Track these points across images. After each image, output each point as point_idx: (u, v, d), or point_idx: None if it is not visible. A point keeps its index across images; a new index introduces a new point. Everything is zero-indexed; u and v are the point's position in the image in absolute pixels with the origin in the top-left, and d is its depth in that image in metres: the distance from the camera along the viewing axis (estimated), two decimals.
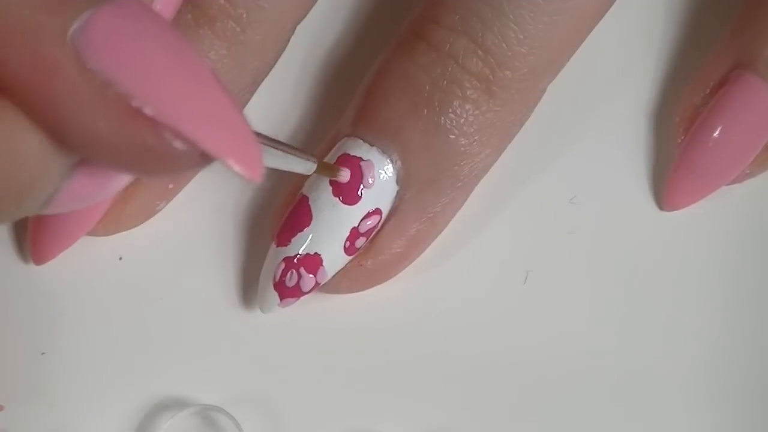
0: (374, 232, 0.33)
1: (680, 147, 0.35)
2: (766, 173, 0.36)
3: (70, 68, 0.21)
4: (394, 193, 0.33)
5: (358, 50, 0.36)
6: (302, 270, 0.33)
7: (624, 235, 0.36)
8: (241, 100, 0.33)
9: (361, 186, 0.33)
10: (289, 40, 0.33)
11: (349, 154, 0.33)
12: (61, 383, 0.34)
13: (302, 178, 0.34)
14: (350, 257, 0.33)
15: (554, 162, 0.36)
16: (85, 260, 0.34)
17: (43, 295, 0.34)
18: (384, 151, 0.33)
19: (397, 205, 0.33)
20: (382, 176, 0.33)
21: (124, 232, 0.35)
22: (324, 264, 0.33)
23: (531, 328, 0.35)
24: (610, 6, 0.33)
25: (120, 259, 0.35)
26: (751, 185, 0.36)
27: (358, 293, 0.35)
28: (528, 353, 0.35)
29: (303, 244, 0.33)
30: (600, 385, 0.35)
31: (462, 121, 0.32)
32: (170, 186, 0.34)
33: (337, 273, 0.34)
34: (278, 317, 0.34)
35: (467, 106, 0.32)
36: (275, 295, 0.33)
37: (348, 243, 0.33)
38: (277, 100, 0.35)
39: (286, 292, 0.33)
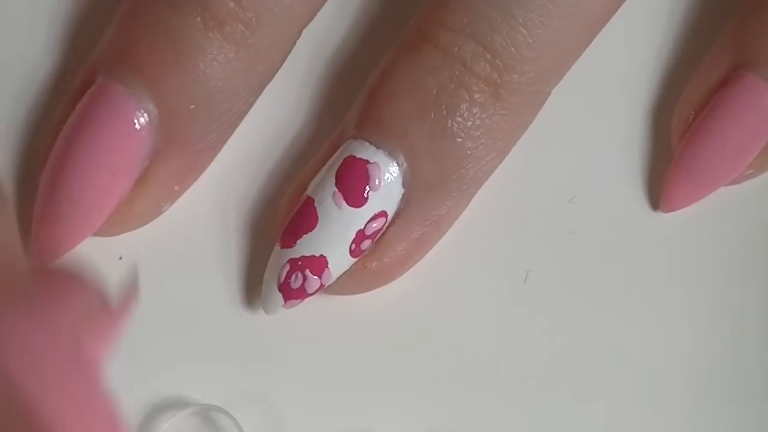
0: (379, 235, 0.33)
1: (679, 147, 0.35)
2: (765, 174, 0.36)
3: None
4: (400, 196, 0.33)
5: (361, 50, 0.36)
6: (307, 272, 0.33)
7: (624, 235, 0.36)
8: (247, 103, 0.33)
9: (368, 188, 0.33)
10: (295, 44, 0.33)
11: (355, 157, 0.33)
12: None
13: (305, 177, 0.34)
14: (355, 259, 0.33)
15: (554, 162, 0.36)
16: (85, 260, 0.34)
17: None
18: (390, 154, 0.33)
19: (403, 208, 0.33)
20: (388, 179, 0.33)
21: None
22: (329, 266, 0.33)
23: (531, 328, 0.35)
24: (617, 10, 0.33)
25: (120, 258, 0.35)
26: (750, 186, 0.36)
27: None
28: (528, 353, 0.35)
29: (309, 246, 0.33)
30: (600, 385, 0.35)
31: (469, 124, 0.32)
32: (176, 188, 0.34)
33: (341, 275, 0.34)
34: (277, 317, 0.34)
35: (475, 110, 0.32)
36: (279, 297, 0.33)
37: (354, 245, 0.33)
38: (281, 101, 0.35)
39: (291, 293, 0.33)
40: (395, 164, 0.33)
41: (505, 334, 0.35)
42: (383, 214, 0.33)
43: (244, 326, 0.35)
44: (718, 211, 0.36)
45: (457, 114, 0.32)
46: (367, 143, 0.33)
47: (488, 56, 0.32)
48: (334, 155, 0.33)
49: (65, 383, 0.22)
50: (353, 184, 0.33)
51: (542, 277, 0.36)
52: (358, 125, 0.33)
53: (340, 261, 0.33)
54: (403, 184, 0.33)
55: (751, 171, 0.36)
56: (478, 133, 0.33)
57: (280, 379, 0.35)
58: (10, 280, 0.23)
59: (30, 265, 0.26)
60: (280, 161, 0.35)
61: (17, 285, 0.23)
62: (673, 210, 0.36)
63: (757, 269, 0.36)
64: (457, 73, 0.32)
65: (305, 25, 0.33)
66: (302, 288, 0.33)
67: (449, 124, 0.32)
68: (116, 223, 0.33)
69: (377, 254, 0.34)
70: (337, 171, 0.33)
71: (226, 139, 0.34)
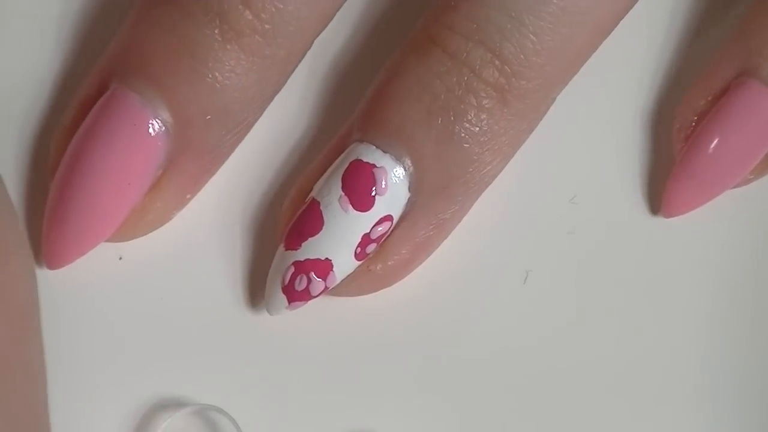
0: (384, 238, 0.33)
1: (680, 153, 0.35)
2: (766, 177, 0.36)
3: None
4: (406, 200, 0.33)
5: (365, 52, 0.35)
6: (312, 274, 0.33)
7: (624, 236, 0.36)
8: (261, 112, 0.33)
9: (375, 192, 0.32)
10: (306, 53, 0.33)
11: (362, 160, 0.33)
12: (59, 382, 0.33)
13: (308, 179, 0.34)
14: (360, 262, 0.33)
15: (554, 162, 0.36)
16: (85, 260, 0.34)
17: (42, 295, 0.33)
18: (397, 158, 0.33)
19: (408, 211, 0.33)
20: (395, 183, 0.33)
21: None
22: (334, 269, 0.33)
23: (531, 328, 0.36)
24: (624, 17, 0.33)
25: (120, 259, 0.34)
26: (750, 186, 0.36)
27: None
28: (528, 353, 0.36)
29: (314, 250, 0.33)
30: (600, 385, 0.36)
31: (476, 130, 0.32)
32: (188, 196, 0.34)
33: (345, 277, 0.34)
34: (276, 317, 0.34)
35: (482, 116, 0.32)
36: (283, 299, 0.33)
37: (359, 249, 0.33)
38: (285, 103, 0.35)
39: (295, 295, 0.33)
40: (402, 168, 0.33)
41: (505, 334, 0.35)
42: (389, 218, 0.33)
43: (245, 326, 0.35)
44: (718, 211, 0.36)
45: (465, 120, 0.32)
46: (374, 147, 0.33)
47: (497, 63, 0.32)
48: (340, 158, 0.33)
49: None
50: (360, 188, 0.32)
51: (542, 277, 0.36)
52: (364, 128, 0.33)
53: (345, 264, 0.33)
54: (409, 189, 0.33)
55: (753, 176, 0.36)
56: (485, 139, 0.33)
57: (279, 379, 0.35)
58: None
59: None
60: (284, 162, 0.35)
61: None
62: (674, 215, 0.36)
63: (757, 269, 0.36)
64: (466, 78, 0.32)
65: (318, 35, 0.33)
66: (306, 290, 0.33)
67: (456, 130, 0.32)
68: (127, 230, 0.33)
69: (381, 257, 0.34)
70: (343, 174, 0.33)
71: (236, 146, 0.34)
